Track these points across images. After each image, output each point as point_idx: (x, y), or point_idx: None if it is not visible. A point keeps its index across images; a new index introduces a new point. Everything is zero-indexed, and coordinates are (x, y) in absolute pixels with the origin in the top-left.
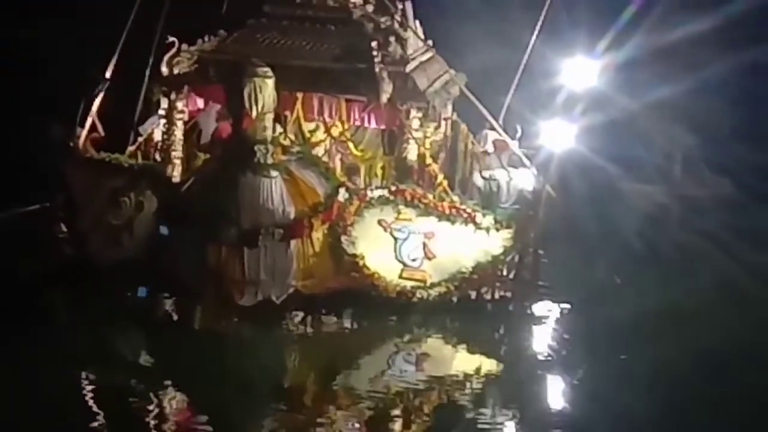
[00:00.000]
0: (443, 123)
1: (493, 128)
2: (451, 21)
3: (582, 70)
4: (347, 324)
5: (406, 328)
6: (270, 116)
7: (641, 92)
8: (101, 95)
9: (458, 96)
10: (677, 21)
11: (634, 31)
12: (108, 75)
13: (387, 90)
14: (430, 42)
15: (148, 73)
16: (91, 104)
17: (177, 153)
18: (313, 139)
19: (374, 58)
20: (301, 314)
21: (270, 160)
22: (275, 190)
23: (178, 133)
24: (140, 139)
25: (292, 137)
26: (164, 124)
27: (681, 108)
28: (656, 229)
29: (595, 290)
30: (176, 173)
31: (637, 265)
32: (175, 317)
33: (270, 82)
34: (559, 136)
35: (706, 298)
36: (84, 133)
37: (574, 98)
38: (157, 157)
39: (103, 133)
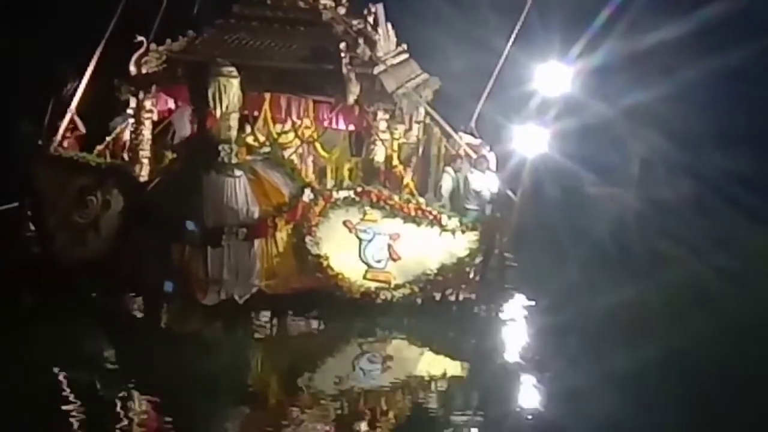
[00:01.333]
0: (415, 126)
1: (466, 131)
2: (427, 25)
3: (555, 75)
4: (312, 324)
5: (370, 329)
6: (235, 116)
7: (614, 97)
8: (77, 93)
9: (431, 99)
10: (650, 26)
11: (607, 36)
12: (86, 74)
13: (354, 91)
14: (404, 45)
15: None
16: (61, 103)
17: (145, 152)
18: (283, 141)
19: (342, 59)
20: (266, 314)
21: (234, 160)
22: (239, 190)
23: (146, 132)
24: (109, 138)
25: (262, 138)
26: (132, 124)
27: (653, 112)
28: (626, 232)
29: (565, 291)
30: (144, 172)
31: (606, 266)
32: (139, 316)
33: (235, 82)
34: (532, 140)
35: (672, 299)
36: (61, 130)
37: (547, 103)
38: (126, 156)
39: (84, 130)
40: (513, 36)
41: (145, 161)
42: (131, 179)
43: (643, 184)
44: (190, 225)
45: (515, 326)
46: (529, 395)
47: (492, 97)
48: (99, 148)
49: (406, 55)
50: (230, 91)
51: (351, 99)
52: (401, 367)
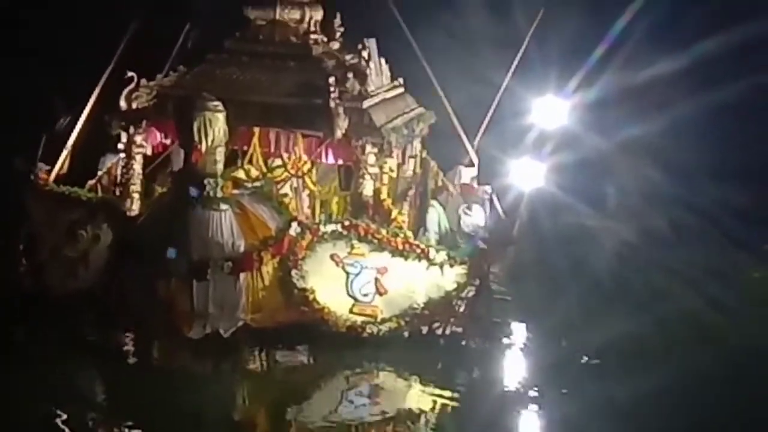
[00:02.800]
0: (411, 160)
1: (467, 165)
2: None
3: (552, 109)
4: (298, 358)
5: (357, 362)
6: (221, 150)
7: (610, 131)
8: (76, 129)
9: (428, 134)
10: (645, 61)
11: (603, 70)
12: (85, 111)
13: (342, 125)
14: (400, 80)
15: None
16: (54, 137)
17: (135, 187)
18: (276, 175)
19: (330, 93)
20: (252, 348)
21: (220, 194)
22: (225, 224)
23: (137, 167)
24: (100, 173)
25: (256, 173)
26: (123, 159)
27: (648, 146)
28: (623, 264)
29: (560, 325)
30: (135, 207)
31: (603, 299)
32: (127, 350)
33: (221, 116)
34: (529, 174)
35: (669, 331)
36: (57, 166)
37: (544, 137)
38: (117, 191)
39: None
40: (511, 69)
41: (136, 196)
42: (121, 214)
43: (622, 216)
44: (172, 254)
45: (506, 359)
46: (520, 427)
47: (489, 131)
48: (90, 182)
49: (400, 90)
50: (216, 125)
51: (339, 133)
52: (389, 400)
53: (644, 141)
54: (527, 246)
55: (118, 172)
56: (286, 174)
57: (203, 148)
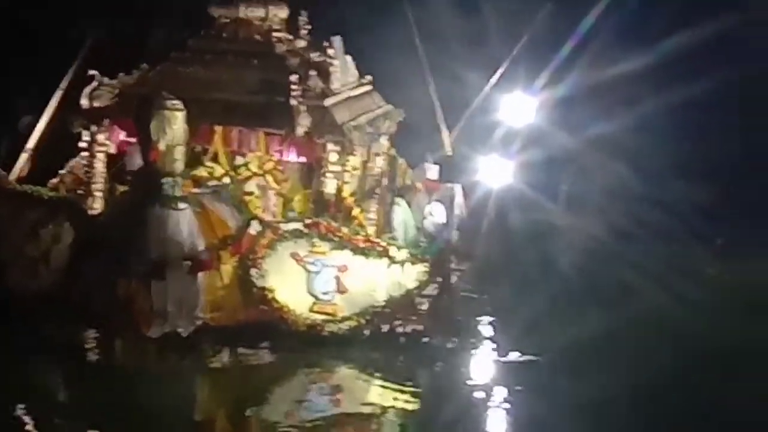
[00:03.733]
0: (377, 158)
1: (435, 162)
2: (392, 56)
3: (520, 106)
4: (259, 357)
5: (318, 360)
6: (181, 149)
7: (578, 128)
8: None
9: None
10: (614, 58)
11: (571, 67)
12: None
13: (303, 123)
14: (368, 77)
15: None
16: (15, 137)
17: (98, 186)
18: (242, 173)
19: (292, 91)
20: (213, 347)
21: (179, 193)
22: (183, 223)
23: (99, 165)
24: (62, 171)
25: (221, 171)
26: (86, 157)
27: (617, 143)
28: (591, 262)
29: (528, 322)
30: (97, 206)
31: (572, 297)
32: (89, 349)
33: (180, 115)
34: (497, 171)
35: (637, 329)
36: (19, 165)
37: (512, 134)
38: (79, 190)
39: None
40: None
41: (99, 194)
42: (82, 212)
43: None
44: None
45: (469, 357)
46: (480, 426)
47: (457, 128)
48: (53, 181)
49: (368, 87)
50: (174, 124)
51: (300, 131)
52: (350, 398)
53: (611, 138)
54: (496, 243)
55: (81, 170)
56: (248, 172)
57: (161, 146)
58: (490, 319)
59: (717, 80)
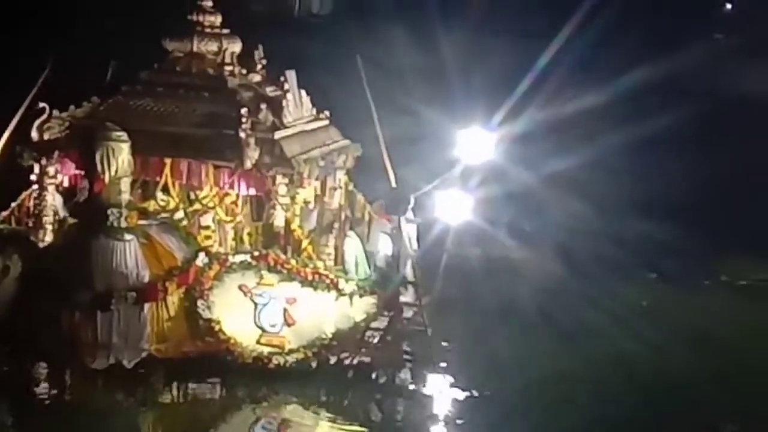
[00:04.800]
0: (335, 192)
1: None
2: (355, 93)
3: (478, 141)
4: (205, 389)
5: (265, 394)
6: (126, 180)
7: (536, 164)
8: None
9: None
10: (571, 95)
11: (529, 103)
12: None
13: (252, 156)
14: (326, 112)
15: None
16: None
17: (48, 218)
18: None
19: (241, 124)
20: (159, 380)
21: (124, 224)
22: (129, 254)
23: (50, 198)
24: (13, 204)
25: (173, 203)
26: (35, 190)
27: (573, 179)
28: (549, 299)
29: (488, 360)
30: (47, 238)
31: (529, 334)
32: (35, 383)
33: (125, 146)
34: (456, 207)
35: (594, 368)
36: None
37: (470, 169)
38: (30, 222)
39: None
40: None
41: (49, 227)
42: (31, 245)
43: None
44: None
45: (417, 392)
46: None
47: (415, 164)
48: (4, 214)
49: (323, 122)
50: (119, 155)
51: (248, 163)
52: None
53: (569, 174)
54: (454, 279)
55: (31, 203)
56: (201, 206)
57: (106, 178)
58: (446, 354)
59: (673, 117)
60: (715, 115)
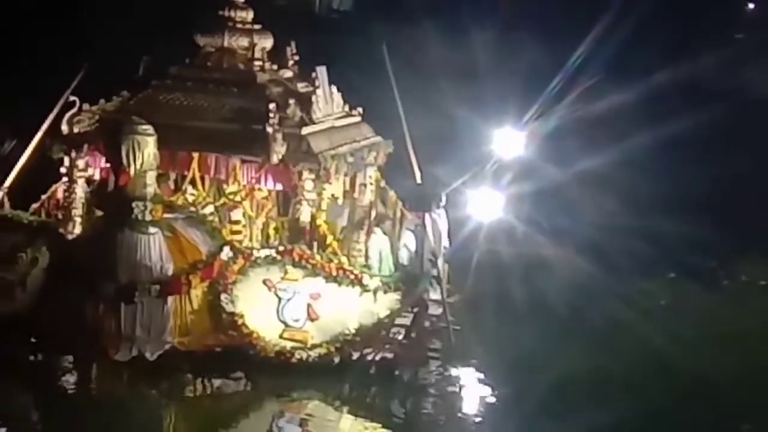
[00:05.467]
0: (365, 188)
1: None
2: (383, 88)
3: (510, 139)
4: (228, 383)
5: (288, 388)
6: (152, 173)
7: (568, 161)
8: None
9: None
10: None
11: (560, 101)
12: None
13: (279, 151)
14: (359, 109)
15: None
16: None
17: (77, 211)
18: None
19: (269, 119)
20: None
21: (149, 217)
22: (153, 247)
23: (79, 191)
24: (44, 197)
25: (208, 198)
26: (65, 182)
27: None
28: (580, 296)
29: (519, 357)
30: (77, 230)
31: (561, 331)
32: (59, 374)
33: (151, 140)
34: (487, 204)
35: (627, 365)
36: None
37: (502, 167)
38: (59, 214)
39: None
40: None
41: (78, 219)
42: (59, 237)
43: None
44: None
45: (443, 390)
46: None
47: (448, 161)
48: (35, 206)
49: (355, 119)
50: (145, 148)
51: (275, 158)
52: (320, 427)
53: (600, 172)
54: (485, 276)
55: (61, 195)
56: (228, 201)
57: (132, 171)
58: (476, 351)
59: (705, 115)
60: (740, 115)
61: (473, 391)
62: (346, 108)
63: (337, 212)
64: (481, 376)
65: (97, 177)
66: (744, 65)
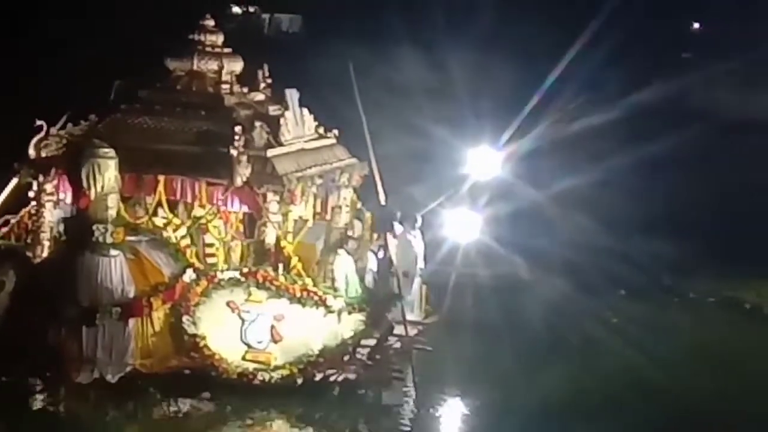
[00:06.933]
0: (343, 211)
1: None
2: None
3: (486, 160)
4: (189, 405)
5: (249, 409)
6: (113, 196)
7: (544, 182)
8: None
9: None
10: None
11: (537, 122)
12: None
13: (243, 173)
14: (334, 131)
15: None
16: None
17: (45, 234)
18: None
19: (233, 141)
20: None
21: (110, 240)
22: (115, 270)
23: (47, 214)
24: (13, 221)
25: (178, 221)
26: (33, 206)
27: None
28: (557, 317)
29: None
30: (44, 254)
31: (538, 352)
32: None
33: (112, 163)
34: (464, 225)
35: (605, 385)
36: None
37: (478, 187)
38: (29, 238)
39: None
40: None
41: (46, 243)
42: (26, 260)
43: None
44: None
45: (404, 411)
46: None
47: (422, 181)
48: (4, 230)
49: (330, 141)
50: (105, 172)
51: (239, 181)
52: None
53: (577, 192)
54: (463, 297)
55: (29, 220)
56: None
57: (92, 194)
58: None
59: (681, 136)
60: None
61: (443, 411)
62: (321, 130)
63: (316, 234)
64: (456, 396)
65: (66, 201)
66: (714, 86)
